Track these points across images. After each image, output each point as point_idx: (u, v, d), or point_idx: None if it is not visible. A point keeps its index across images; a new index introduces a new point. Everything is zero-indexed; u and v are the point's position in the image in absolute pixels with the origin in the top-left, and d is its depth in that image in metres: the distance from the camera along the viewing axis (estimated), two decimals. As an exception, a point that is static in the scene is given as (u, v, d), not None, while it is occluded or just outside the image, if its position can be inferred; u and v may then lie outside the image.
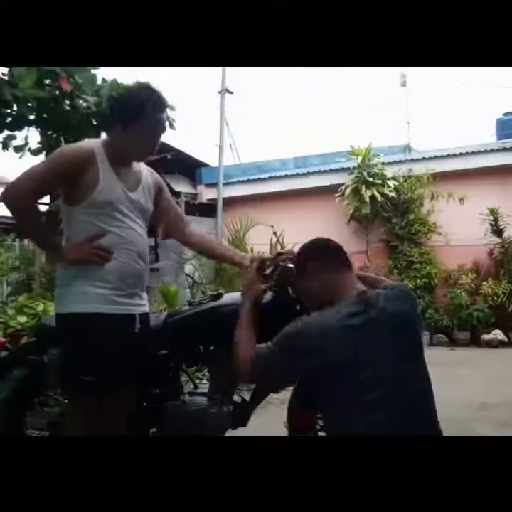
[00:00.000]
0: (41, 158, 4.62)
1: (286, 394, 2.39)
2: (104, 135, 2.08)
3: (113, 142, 2.07)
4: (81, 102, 4.06)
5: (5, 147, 4.43)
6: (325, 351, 1.59)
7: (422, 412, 1.65)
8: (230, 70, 11.83)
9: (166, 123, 2.14)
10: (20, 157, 4.58)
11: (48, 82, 3.97)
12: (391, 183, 9.29)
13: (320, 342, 1.61)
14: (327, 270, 1.81)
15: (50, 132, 4.49)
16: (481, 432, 3.59)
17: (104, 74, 4.45)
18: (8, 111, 4.10)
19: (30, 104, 3.87)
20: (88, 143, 2.17)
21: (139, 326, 2.10)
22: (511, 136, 10.58)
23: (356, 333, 1.62)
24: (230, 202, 10.81)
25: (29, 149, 4.55)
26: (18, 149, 4.51)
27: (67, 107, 4.08)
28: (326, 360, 1.59)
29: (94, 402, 1.97)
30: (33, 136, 4.59)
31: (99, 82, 4.38)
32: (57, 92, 4.04)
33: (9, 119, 4.17)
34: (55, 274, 2.13)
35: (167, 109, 2.12)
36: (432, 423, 1.66)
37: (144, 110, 2.00)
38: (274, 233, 6.73)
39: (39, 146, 4.57)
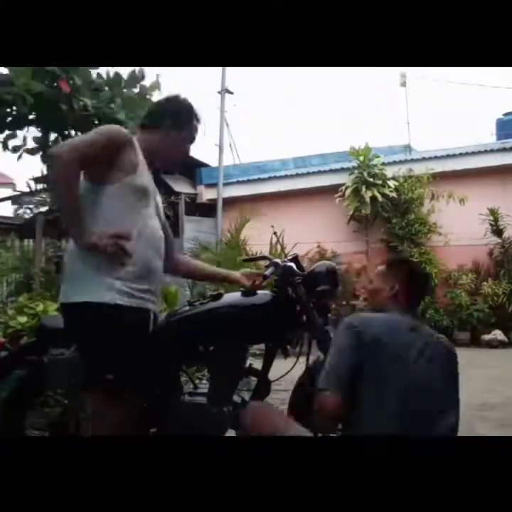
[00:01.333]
0: (38, 157, 4.63)
1: (286, 394, 2.39)
2: None
3: (152, 142, 2.07)
4: (80, 103, 4.07)
5: (5, 147, 4.43)
6: (382, 345, 1.66)
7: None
8: (230, 70, 11.87)
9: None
10: (19, 158, 4.59)
11: (46, 82, 3.98)
12: (391, 183, 9.29)
13: (380, 335, 1.67)
14: (408, 293, 1.83)
15: (47, 131, 4.50)
16: (481, 432, 3.59)
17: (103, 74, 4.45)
18: (8, 110, 4.11)
19: (27, 101, 3.88)
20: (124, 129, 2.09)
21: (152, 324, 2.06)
22: (511, 136, 10.59)
23: (409, 342, 1.71)
24: (230, 202, 10.80)
25: (26, 149, 4.56)
26: (17, 149, 4.52)
27: (64, 107, 4.09)
28: (380, 354, 1.65)
29: (114, 395, 1.90)
30: (30, 135, 4.59)
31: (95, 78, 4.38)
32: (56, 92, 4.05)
33: (9, 118, 4.18)
34: (68, 263, 1.99)
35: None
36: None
37: (193, 118, 2.11)
38: (274, 233, 6.72)
39: (36, 145, 4.58)
